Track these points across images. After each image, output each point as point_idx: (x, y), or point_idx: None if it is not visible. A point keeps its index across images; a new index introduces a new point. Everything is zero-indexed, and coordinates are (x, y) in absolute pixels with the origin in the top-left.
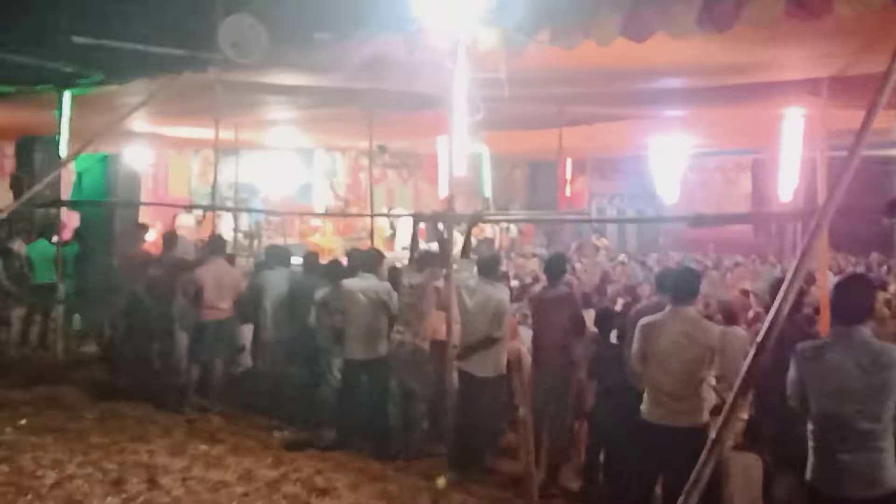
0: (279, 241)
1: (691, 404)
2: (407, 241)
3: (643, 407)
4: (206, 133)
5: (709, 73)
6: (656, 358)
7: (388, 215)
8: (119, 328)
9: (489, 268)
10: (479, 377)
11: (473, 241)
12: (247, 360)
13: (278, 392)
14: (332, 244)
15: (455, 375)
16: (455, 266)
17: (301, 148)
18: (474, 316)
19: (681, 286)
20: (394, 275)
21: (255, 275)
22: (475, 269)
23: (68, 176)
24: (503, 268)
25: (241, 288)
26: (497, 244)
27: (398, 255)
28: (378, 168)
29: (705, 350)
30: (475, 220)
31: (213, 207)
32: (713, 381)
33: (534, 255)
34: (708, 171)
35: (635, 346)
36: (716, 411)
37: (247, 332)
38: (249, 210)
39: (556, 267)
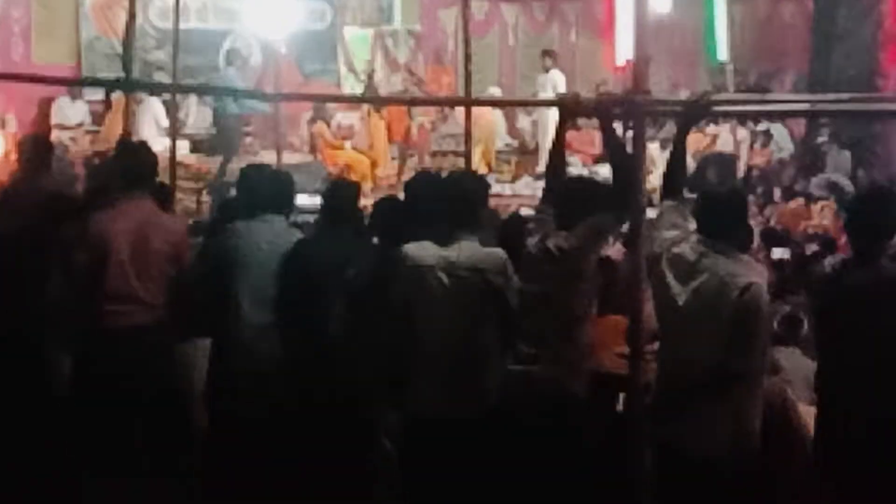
0: (268, 158)
1: None
2: (543, 160)
3: None
4: None
5: None
6: None
7: (503, 103)
8: None
9: (724, 219)
10: (703, 458)
11: (690, 159)
12: (198, 415)
13: (262, 481)
14: (381, 165)
15: (650, 455)
16: (650, 213)
17: None
18: (692, 323)
19: None
20: (515, 232)
21: (216, 231)
22: (693, 223)
23: None
24: (755, 221)
25: (187, 260)
26: (741, 166)
27: (525, 189)
28: (481, 1)
29: None
30: (695, 112)
31: (129, 85)
32: None
33: (820, 196)
34: None
35: None
36: None
37: (197, 354)
38: (207, 90)
39: (872, 219)
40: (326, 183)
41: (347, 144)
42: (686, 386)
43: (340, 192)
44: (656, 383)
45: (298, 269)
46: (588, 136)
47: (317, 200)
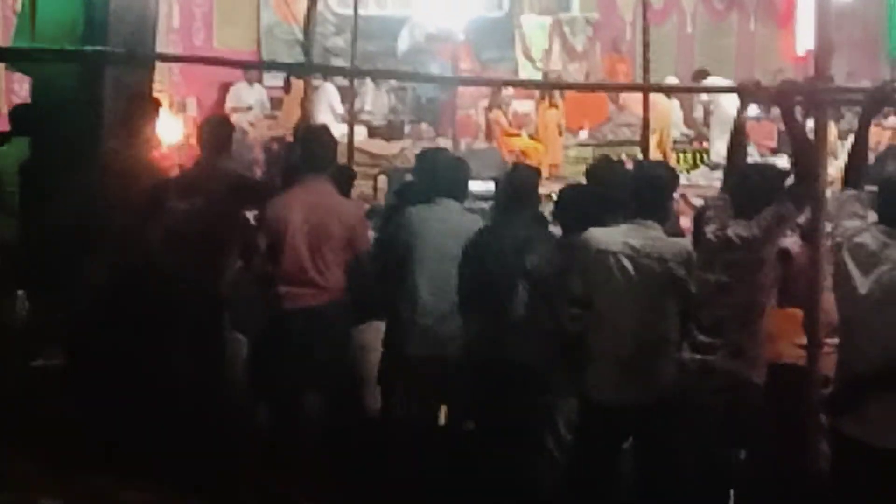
0: (442, 142)
1: None
2: (722, 149)
3: None
4: None
5: None
6: None
7: (680, 89)
8: (108, 320)
9: None
10: (886, 449)
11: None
12: (372, 396)
13: (435, 467)
14: (554, 152)
15: (827, 447)
16: (831, 203)
17: None
18: (876, 313)
19: None
20: (695, 221)
21: (392, 215)
22: (874, 213)
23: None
24: None
25: (366, 243)
26: None
27: (699, 179)
28: None
29: None
30: (878, 101)
31: (308, 69)
32: None
33: None
34: None
35: None
36: None
37: (373, 336)
38: (385, 74)
39: None
40: (503, 169)
41: (524, 132)
42: (868, 376)
43: (521, 177)
44: (837, 374)
45: (480, 255)
46: (766, 128)
47: (491, 186)
